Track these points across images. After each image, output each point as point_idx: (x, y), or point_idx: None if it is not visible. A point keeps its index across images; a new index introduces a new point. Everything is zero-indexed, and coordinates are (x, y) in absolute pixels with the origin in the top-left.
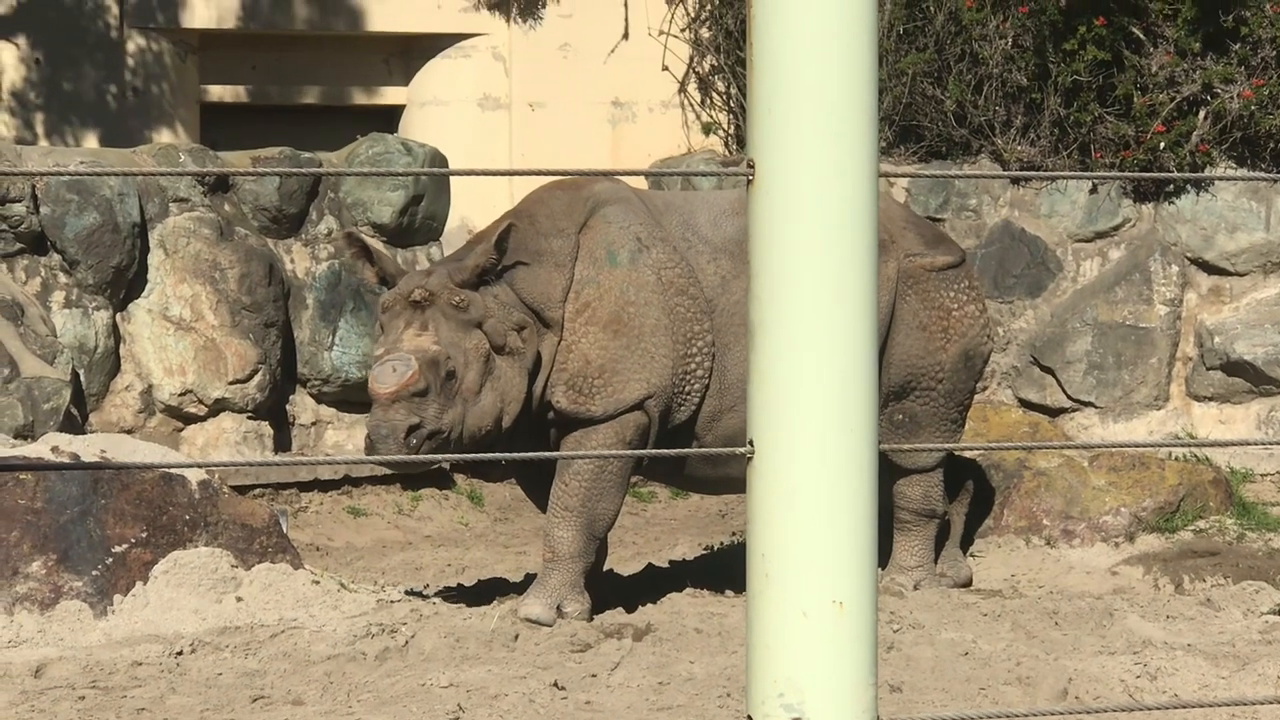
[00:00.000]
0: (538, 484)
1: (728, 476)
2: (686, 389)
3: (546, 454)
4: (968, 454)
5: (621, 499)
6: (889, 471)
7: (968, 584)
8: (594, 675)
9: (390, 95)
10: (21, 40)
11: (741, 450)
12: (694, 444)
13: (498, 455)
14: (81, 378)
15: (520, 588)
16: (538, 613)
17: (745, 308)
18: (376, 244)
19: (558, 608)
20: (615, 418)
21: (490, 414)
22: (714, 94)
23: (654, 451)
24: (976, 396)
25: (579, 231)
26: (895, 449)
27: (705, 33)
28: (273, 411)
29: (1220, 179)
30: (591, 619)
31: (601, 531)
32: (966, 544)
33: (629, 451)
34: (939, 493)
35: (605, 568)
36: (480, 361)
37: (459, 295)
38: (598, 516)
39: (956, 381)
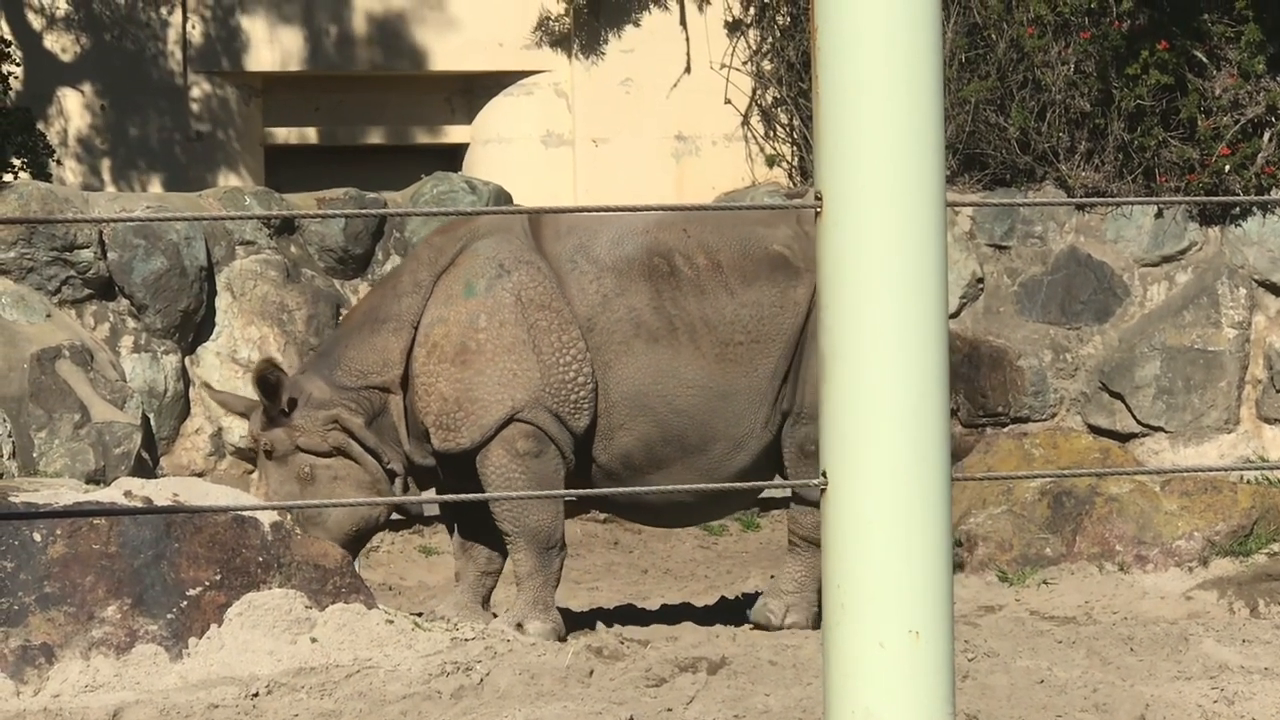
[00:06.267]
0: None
1: (668, 502)
2: (575, 396)
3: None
4: (1038, 480)
5: (552, 502)
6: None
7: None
8: (669, 710)
9: (454, 134)
10: (87, 87)
11: (815, 482)
12: (591, 460)
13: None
14: (151, 422)
15: (590, 620)
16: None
17: (627, 325)
18: (229, 394)
19: (518, 625)
20: (488, 442)
21: (350, 514)
22: (777, 126)
23: (722, 485)
24: (1045, 423)
25: (441, 275)
26: (966, 479)
27: (767, 65)
28: None
29: None
30: (563, 637)
31: (549, 540)
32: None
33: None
34: None
35: (679, 600)
36: (308, 484)
37: (264, 440)
38: (537, 529)
39: None
